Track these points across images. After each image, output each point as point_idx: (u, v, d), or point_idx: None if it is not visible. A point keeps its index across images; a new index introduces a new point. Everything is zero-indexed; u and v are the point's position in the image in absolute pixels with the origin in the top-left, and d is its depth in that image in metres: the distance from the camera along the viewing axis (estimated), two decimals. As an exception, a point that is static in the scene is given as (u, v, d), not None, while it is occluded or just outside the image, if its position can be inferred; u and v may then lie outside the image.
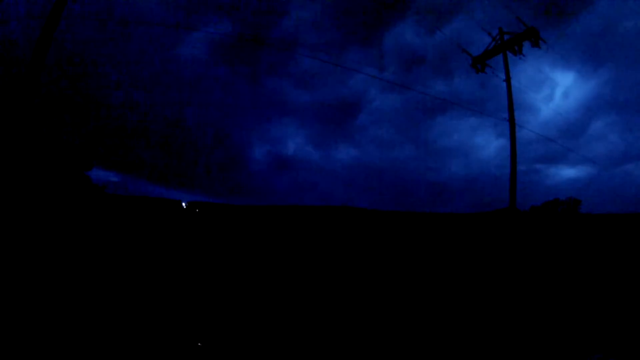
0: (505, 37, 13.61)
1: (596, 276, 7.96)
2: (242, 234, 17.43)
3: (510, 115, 13.05)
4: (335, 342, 3.85)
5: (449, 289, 6.56)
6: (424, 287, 6.65)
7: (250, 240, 14.50)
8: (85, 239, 9.42)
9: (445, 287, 6.70)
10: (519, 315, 4.94)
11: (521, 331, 4.31)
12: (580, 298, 5.97)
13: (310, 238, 16.69)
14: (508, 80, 13.44)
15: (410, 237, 19.06)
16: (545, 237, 17.04)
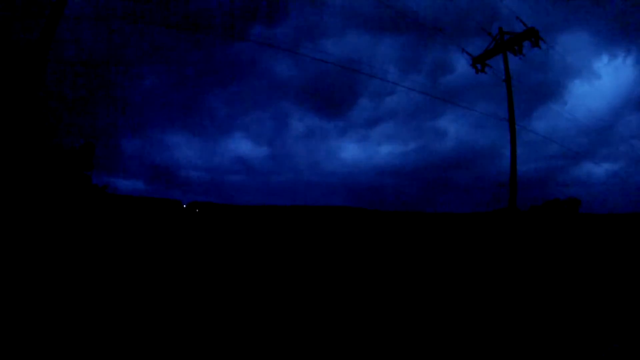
0: (505, 37, 13.64)
1: (594, 274, 7.99)
2: (242, 234, 17.44)
3: (510, 115, 13.08)
4: (337, 342, 3.85)
5: (448, 287, 6.57)
6: (424, 286, 6.66)
7: (250, 239, 14.51)
8: (86, 238, 9.42)
9: (445, 285, 6.71)
10: (519, 314, 4.96)
11: (521, 329, 4.33)
12: (580, 296, 5.99)
13: (311, 238, 16.72)
14: (508, 80, 13.47)
15: (410, 236, 19.10)
16: (544, 236, 17.10)
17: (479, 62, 13.98)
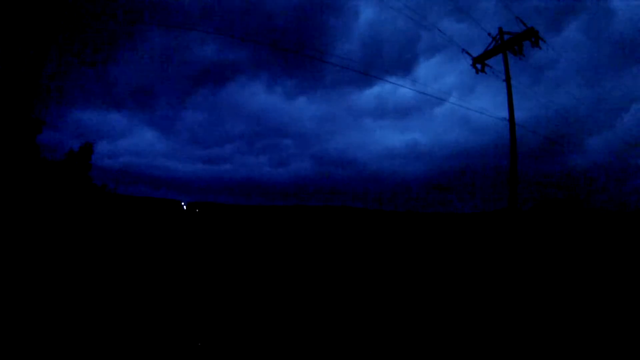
0: (505, 37, 13.66)
1: (592, 272, 8.02)
2: (242, 233, 17.47)
3: (510, 115, 13.10)
4: (337, 341, 3.88)
5: (447, 287, 6.60)
6: (424, 286, 6.69)
7: (250, 239, 14.53)
8: (88, 236, 9.43)
9: (444, 285, 6.74)
10: (517, 314, 4.98)
11: (519, 330, 4.35)
12: (578, 295, 6.02)
13: (311, 237, 16.74)
14: (508, 80, 13.48)
15: (411, 236, 19.14)
16: (544, 235, 17.15)
17: (479, 63, 13.99)
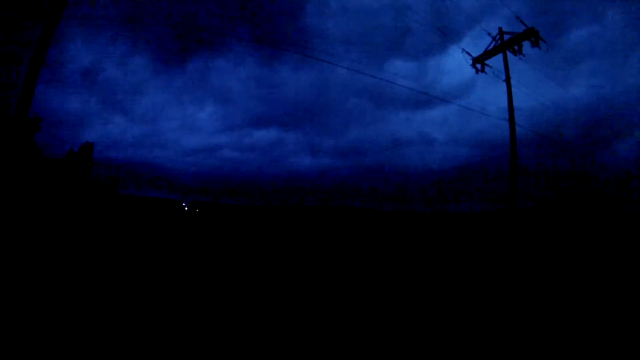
0: (505, 37, 13.71)
1: (592, 272, 8.07)
2: (242, 233, 17.50)
3: (510, 115, 13.15)
4: (337, 340, 3.91)
5: (446, 286, 6.64)
6: (424, 285, 6.73)
7: (250, 239, 14.57)
8: (92, 234, 9.46)
9: (443, 284, 6.78)
10: (514, 314, 5.02)
11: (516, 330, 4.39)
12: (575, 294, 6.06)
13: (310, 237, 16.79)
14: (508, 80, 13.54)
15: (410, 235, 19.20)
16: (543, 234, 17.23)
17: (479, 62, 14.04)
